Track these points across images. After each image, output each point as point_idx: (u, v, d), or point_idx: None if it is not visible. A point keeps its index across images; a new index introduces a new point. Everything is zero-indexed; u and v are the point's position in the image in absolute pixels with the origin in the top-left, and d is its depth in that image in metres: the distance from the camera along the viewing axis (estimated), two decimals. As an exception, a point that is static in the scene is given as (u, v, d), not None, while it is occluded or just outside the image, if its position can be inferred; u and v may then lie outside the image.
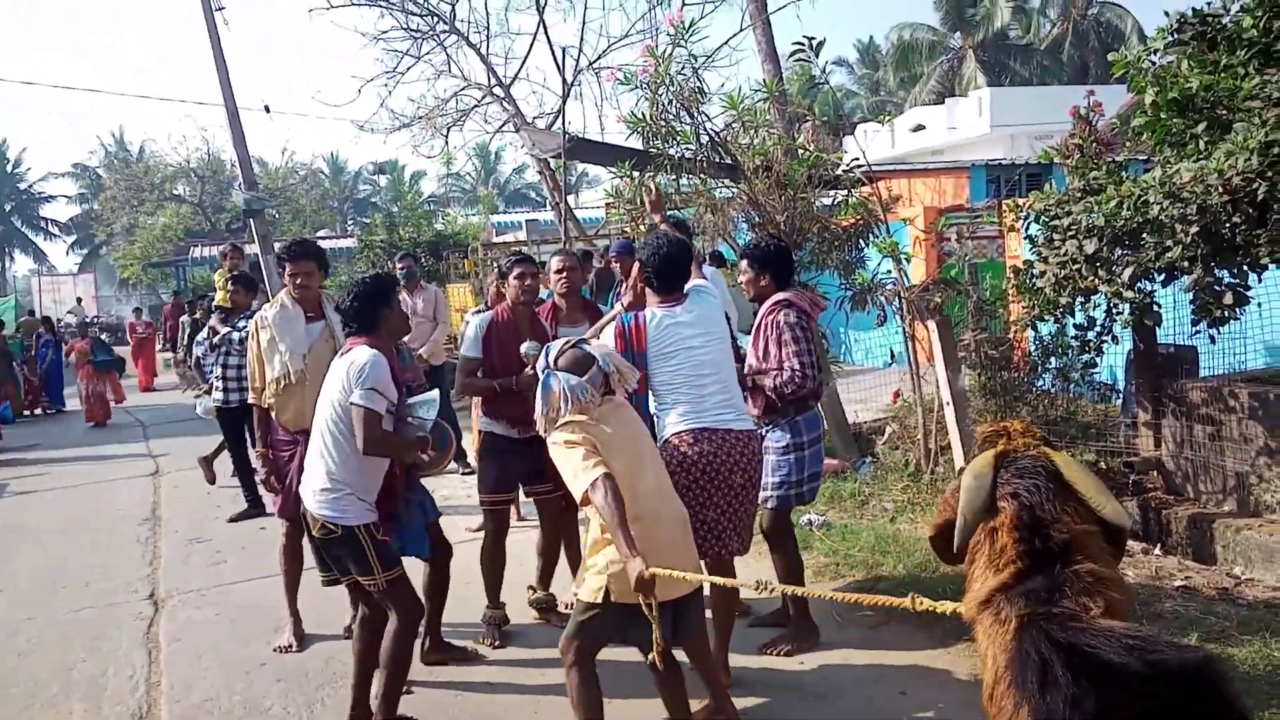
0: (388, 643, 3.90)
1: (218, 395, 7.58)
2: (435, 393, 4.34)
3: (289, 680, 4.66)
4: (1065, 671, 1.79)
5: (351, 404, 3.76)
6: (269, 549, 6.19)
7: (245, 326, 6.36)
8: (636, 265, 4.24)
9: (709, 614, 3.91)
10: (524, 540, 5.64)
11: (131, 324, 20.90)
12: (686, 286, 4.16)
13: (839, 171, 7.08)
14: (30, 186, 59.86)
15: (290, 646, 5.00)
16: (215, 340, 7.75)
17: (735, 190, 7.49)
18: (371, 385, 3.77)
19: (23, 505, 9.16)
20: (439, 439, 4.30)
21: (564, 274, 5.07)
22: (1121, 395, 6.66)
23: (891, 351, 7.77)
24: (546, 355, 3.62)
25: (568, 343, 3.64)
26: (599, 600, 3.38)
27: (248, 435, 7.34)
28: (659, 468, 3.62)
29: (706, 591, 3.80)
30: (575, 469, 3.31)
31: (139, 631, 5.47)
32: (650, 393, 4.06)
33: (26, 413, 16.38)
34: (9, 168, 59.25)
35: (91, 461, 11.33)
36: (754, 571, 5.33)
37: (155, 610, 5.82)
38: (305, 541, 4.79)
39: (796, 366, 4.30)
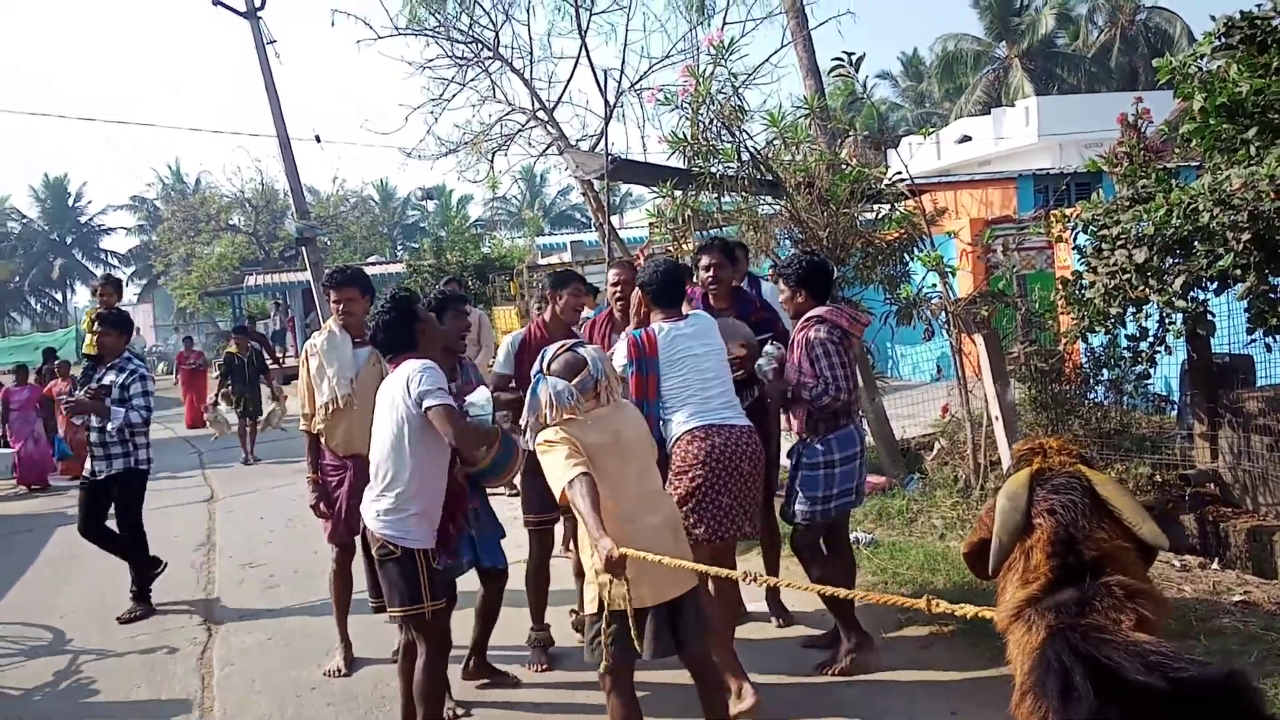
0: (419, 676, 3.90)
1: (88, 465, 6.45)
2: (483, 389, 4.31)
3: (339, 704, 4.70)
4: (1086, 683, 1.78)
5: (428, 408, 3.76)
6: (320, 574, 6.28)
7: (110, 375, 6.27)
8: (638, 290, 4.48)
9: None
10: (565, 562, 5.65)
11: (180, 355, 18.54)
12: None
13: (882, 186, 7.03)
14: (90, 219, 61.69)
15: (339, 670, 5.05)
16: (78, 396, 6.44)
17: (777, 207, 7.46)
18: (436, 386, 3.78)
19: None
20: (503, 442, 4.25)
21: (619, 286, 5.07)
22: (1176, 406, 6.51)
23: (938, 366, 7.66)
24: (541, 360, 3.62)
25: (562, 346, 3.63)
26: (596, 610, 3.39)
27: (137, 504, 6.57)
28: (651, 472, 3.64)
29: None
30: (555, 471, 3.34)
31: (193, 657, 5.56)
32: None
33: None
34: (70, 201, 61.14)
35: (148, 488, 11.54)
36: (798, 576, 5.29)
37: (209, 635, 5.91)
38: (356, 566, 4.88)
39: (830, 378, 4.36)
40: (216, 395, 12.66)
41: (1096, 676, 1.77)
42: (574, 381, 3.45)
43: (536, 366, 3.60)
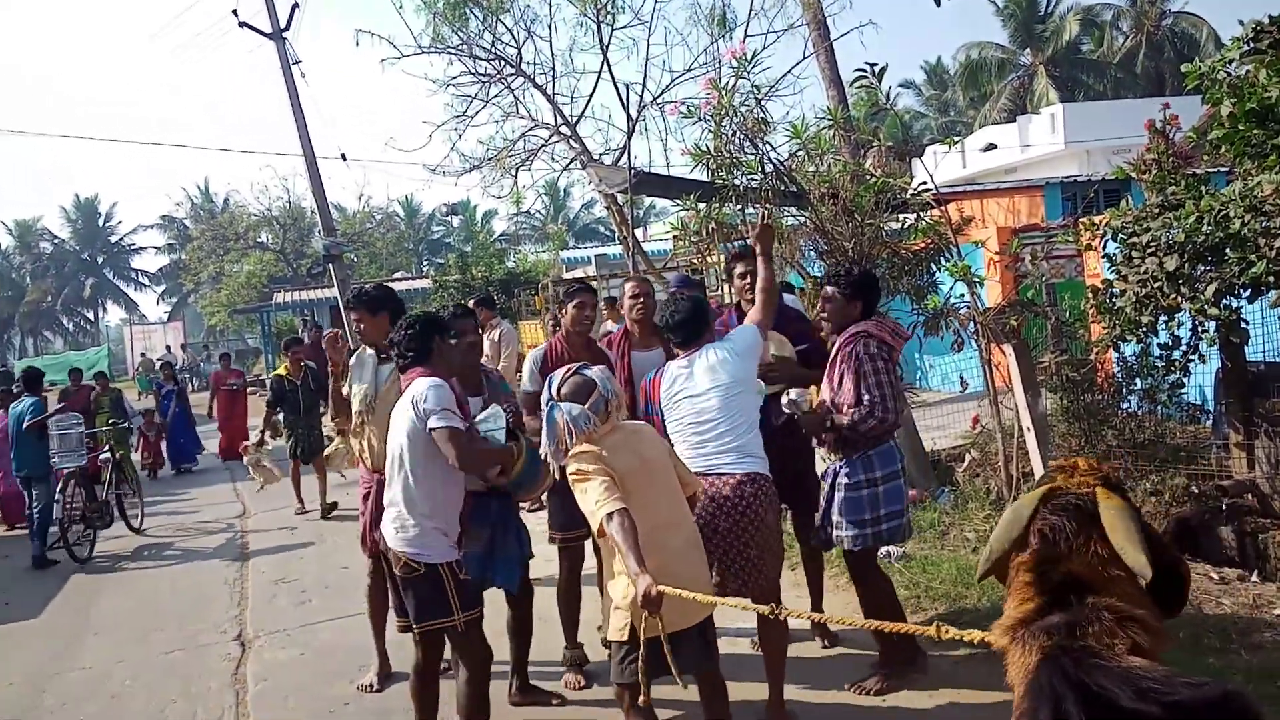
0: (462, 693, 3.88)
1: None
2: (495, 407, 4.25)
3: (372, 718, 4.71)
4: (1078, 710, 1.77)
5: (431, 429, 3.76)
6: (354, 588, 6.34)
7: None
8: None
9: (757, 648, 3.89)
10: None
11: (217, 374, 15.50)
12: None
13: (907, 196, 7.00)
14: (121, 239, 62.60)
15: (372, 686, 5.07)
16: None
17: (802, 218, 7.45)
18: (442, 407, 3.77)
19: (117, 549, 9.46)
20: (529, 456, 4.18)
21: (639, 299, 5.00)
22: (1211, 416, 6.43)
23: (962, 378, 7.60)
24: (549, 386, 3.61)
25: (569, 370, 3.62)
26: (626, 638, 3.38)
27: None
28: (673, 492, 3.60)
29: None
30: (593, 500, 3.32)
31: (227, 672, 5.60)
32: None
33: (151, 473, 13.85)
34: (101, 222, 62.07)
35: (180, 503, 11.69)
36: (840, 603, 5.27)
37: (243, 650, 5.96)
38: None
39: (877, 399, 4.18)
40: (262, 431, 9.68)
41: (1089, 704, 1.77)
42: (587, 404, 3.46)
43: (546, 394, 3.61)
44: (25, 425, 9.30)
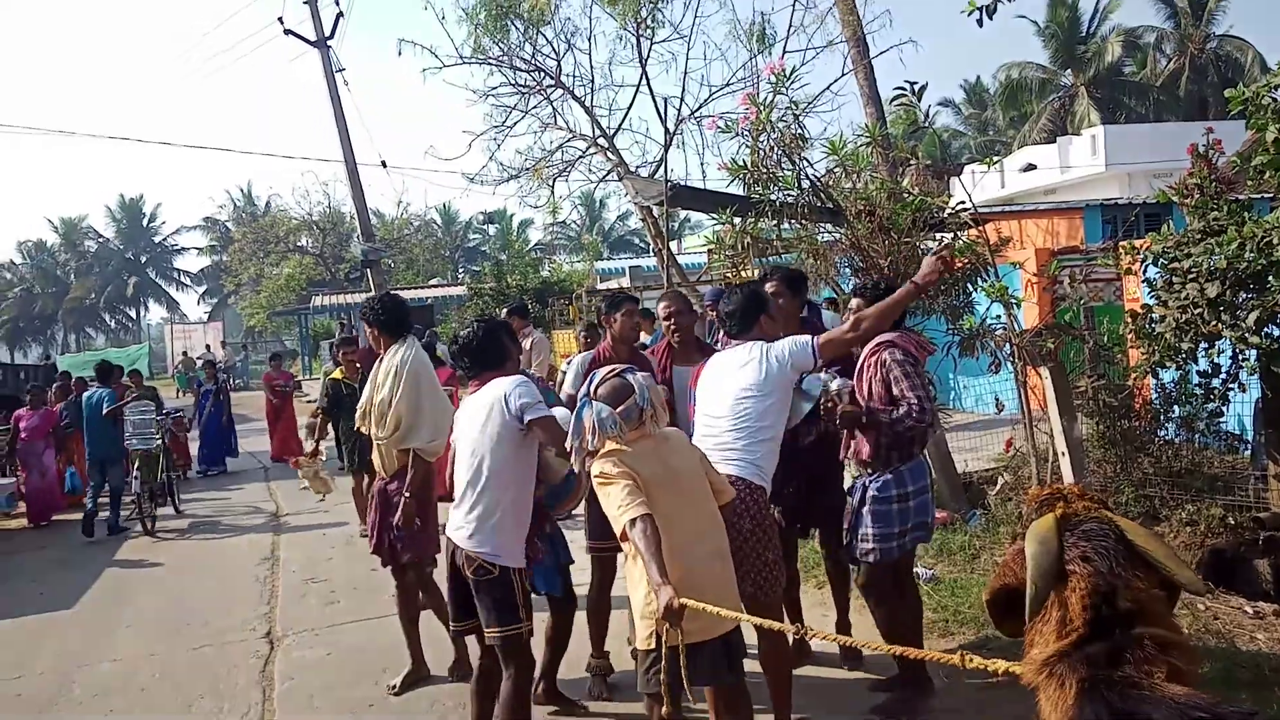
0: (507, 697, 3.86)
1: None
2: (561, 409, 4.23)
3: (395, 722, 4.75)
4: None
5: (530, 421, 3.79)
6: (382, 590, 6.40)
7: None
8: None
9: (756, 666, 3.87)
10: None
11: (269, 375, 15.24)
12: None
13: (945, 215, 6.97)
14: (164, 239, 63.69)
15: (393, 688, 5.11)
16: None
17: (838, 235, 7.44)
18: (535, 399, 3.83)
19: (151, 546, 9.61)
20: (565, 474, 4.20)
21: (670, 320, 4.99)
22: (1250, 446, 6.32)
23: (997, 400, 7.53)
24: (590, 382, 3.60)
25: (613, 370, 3.59)
26: (652, 646, 3.35)
27: None
28: (702, 501, 3.55)
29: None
30: (616, 505, 3.30)
31: (255, 670, 5.66)
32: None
33: (180, 473, 13.09)
34: (145, 222, 63.20)
35: (214, 502, 11.84)
36: (864, 621, 5.23)
37: (271, 649, 6.02)
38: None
39: (914, 400, 4.14)
40: (316, 440, 8.75)
41: None
42: (619, 409, 3.43)
43: (584, 390, 3.59)
44: (105, 411, 10.29)
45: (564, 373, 5.43)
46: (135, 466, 10.23)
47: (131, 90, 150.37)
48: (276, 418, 14.61)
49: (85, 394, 10.94)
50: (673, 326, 4.97)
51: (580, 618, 4.85)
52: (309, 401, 13.72)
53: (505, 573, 3.83)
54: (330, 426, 8.94)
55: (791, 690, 4.04)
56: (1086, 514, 2.13)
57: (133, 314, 64.29)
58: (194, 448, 14.53)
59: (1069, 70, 35.09)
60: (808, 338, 4.09)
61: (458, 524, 3.93)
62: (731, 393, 3.99)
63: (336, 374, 9.08)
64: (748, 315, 4.20)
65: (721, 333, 4.58)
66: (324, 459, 8.76)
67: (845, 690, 4.71)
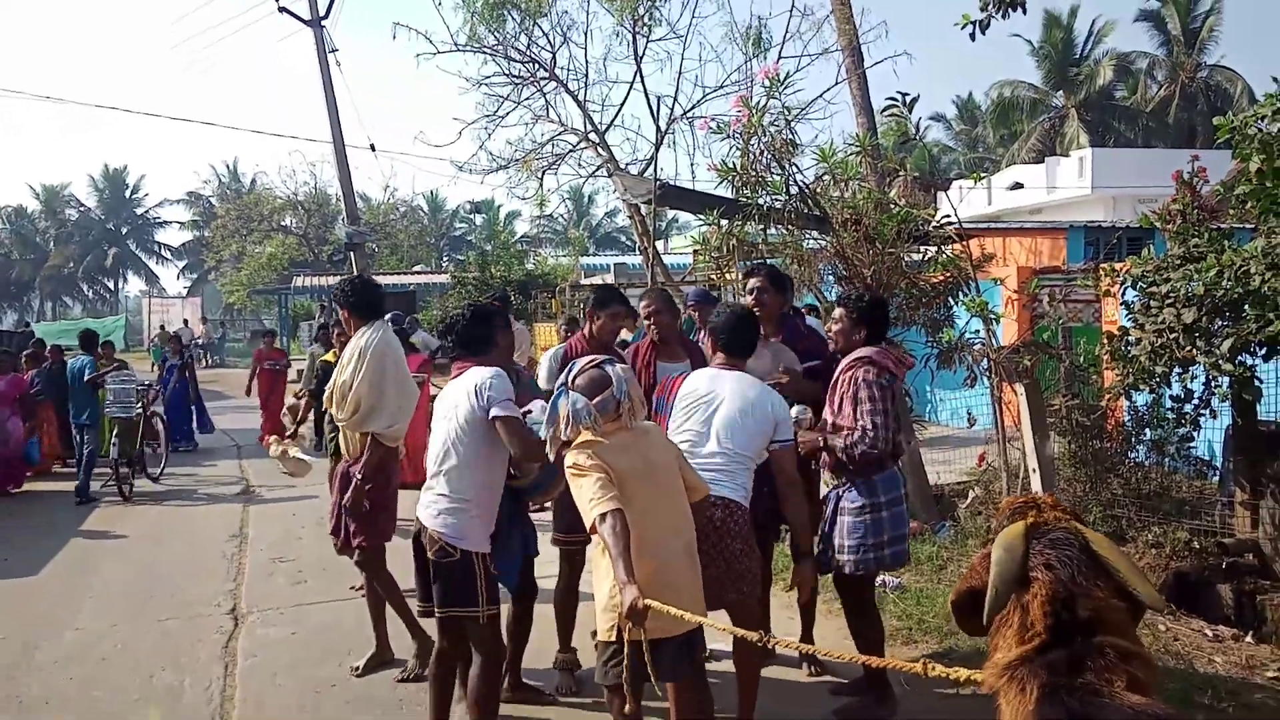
0: (475, 684, 3.88)
1: None
2: (539, 401, 4.16)
3: (357, 703, 4.74)
4: None
5: (495, 418, 3.79)
6: (349, 572, 6.37)
7: None
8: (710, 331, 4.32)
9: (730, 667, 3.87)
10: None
11: (259, 353, 14.82)
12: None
13: (930, 227, 7.02)
14: (146, 212, 63.09)
15: (355, 669, 5.10)
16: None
17: (823, 242, 7.47)
18: (505, 397, 3.83)
19: (119, 517, 9.53)
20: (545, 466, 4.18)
21: (650, 319, 5.00)
22: (1219, 472, 6.41)
23: (969, 414, 7.60)
24: (568, 371, 3.60)
25: (592, 361, 3.59)
26: (613, 638, 3.36)
27: None
28: (675, 497, 3.56)
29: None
30: (587, 498, 3.30)
31: (218, 645, 5.63)
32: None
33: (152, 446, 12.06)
34: (128, 193, 62.59)
35: (184, 478, 11.75)
36: (832, 628, 5.26)
37: (235, 625, 5.99)
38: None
39: (869, 426, 4.17)
40: (297, 423, 8.42)
41: None
42: (595, 400, 3.42)
43: (561, 378, 3.59)
44: (86, 379, 10.56)
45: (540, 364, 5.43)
46: (114, 434, 10.49)
47: (120, 59, 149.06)
48: (269, 396, 14.09)
49: (70, 362, 11.08)
50: (653, 325, 5.00)
51: (547, 611, 4.86)
52: (291, 382, 13.37)
53: (466, 556, 3.84)
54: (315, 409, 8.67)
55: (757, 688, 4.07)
56: (1056, 524, 2.17)
57: (111, 285, 63.63)
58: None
59: (1060, 91, 35.38)
60: (791, 433, 4.14)
61: (426, 503, 3.95)
62: (734, 421, 3.97)
63: (328, 356, 8.60)
64: (743, 339, 4.22)
65: (706, 337, 4.56)
66: (307, 441, 8.48)
67: (806, 692, 4.74)
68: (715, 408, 4.01)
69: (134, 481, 10.58)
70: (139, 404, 11.06)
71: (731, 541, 3.86)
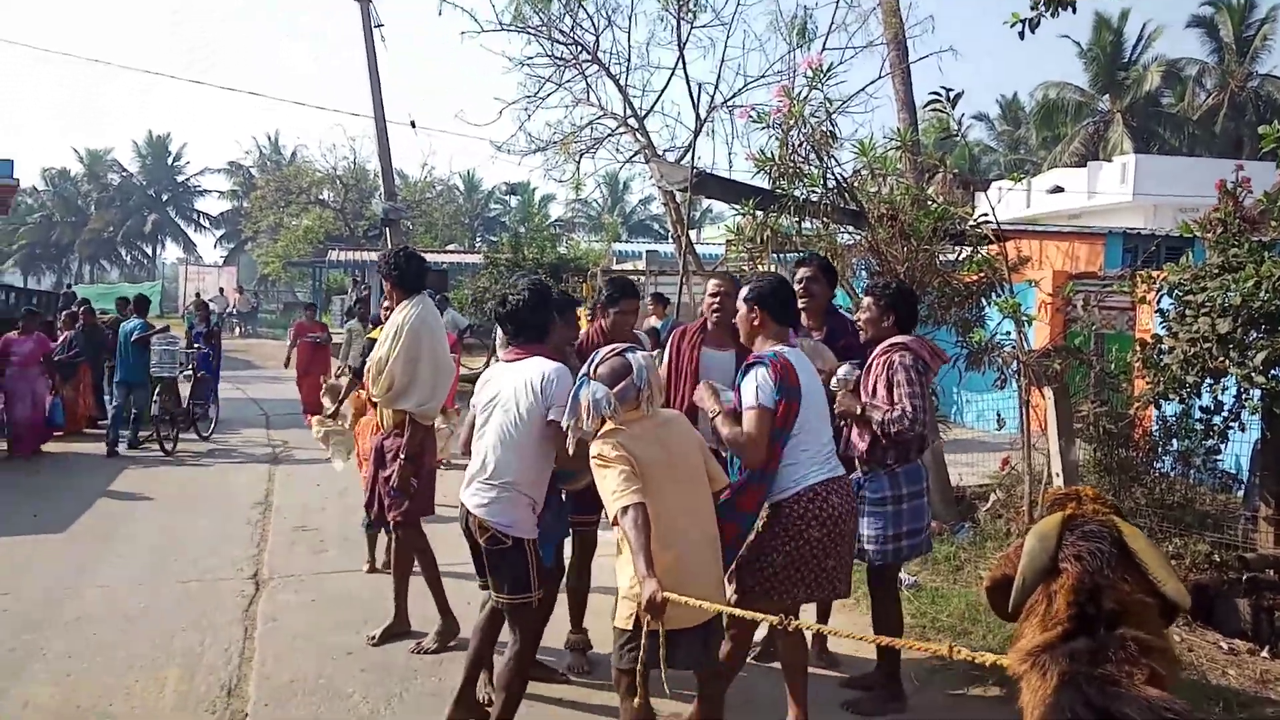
0: (509, 663, 3.89)
1: None
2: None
3: (372, 671, 4.81)
4: None
5: (551, 422, 3.73)
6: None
7: None
8: (750, 305, 4.02)
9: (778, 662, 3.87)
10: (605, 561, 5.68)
11: (300, 325, 14.37)
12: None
13: (966, 227, 6.96)
14: (187, 180, 63.77)
15: (372, 638, 5.17)
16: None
17: (858, 237, 7.44)
18: (566, 399, 3.72)
19: (147, 480, 9.70)
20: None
21: (717, 298, 4.85)
22: (1244, 486, 6.33)
23: (998, 416, 7.55)
24: (591, 361, 3.60)
25: (614, 349, 3.58)
26: (631, 626, 3.37)
27: None
28: (696, 487, 3.55)
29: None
30: (611, 489, 3.32)
31: (239, 609, 5.73)
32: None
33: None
34: (170, 160, 63.29)
35: (213, 445, 11.92)
36: (846, 621, 5.27)
37: (256, 590, 6.08)
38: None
39: (908, 408, 4.15)
40: (338, 403, 7.49)
41: None
42: (615, 389, 3.43)
43: (584, 368, 3.60)
44: (134, 339, 11.30)
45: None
46: (157, 392, 11.25)
47: (168, 26, 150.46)
48: (307, 369, 13.56)
49: (123, 325, 11.70)
50: (717, 306, 4.82)
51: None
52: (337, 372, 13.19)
53: (519, 544, 3.84)
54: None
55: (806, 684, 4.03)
56: (1094, 516, 2.22)
57: (149, 251, 64.43)
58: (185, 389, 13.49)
59: (1107, 95, 34.86)
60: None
61: (474, 490, 3.90)
62: (819, 391, 3.99)
63: (374, 333, 8.21)
64: (793, 306, 4.16)
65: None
66: (346, 422, 7.71)
67: (817, 685, 4.74)
68: (819, 388, 4.01)
69: (177, 438, 11.28)
70: (181, 365, 11.91)
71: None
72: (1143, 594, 2.05)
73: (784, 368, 3.78)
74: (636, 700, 3.41)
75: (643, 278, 17.05)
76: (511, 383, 3.90)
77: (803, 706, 3.95)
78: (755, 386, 3.76)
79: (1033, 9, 5.12)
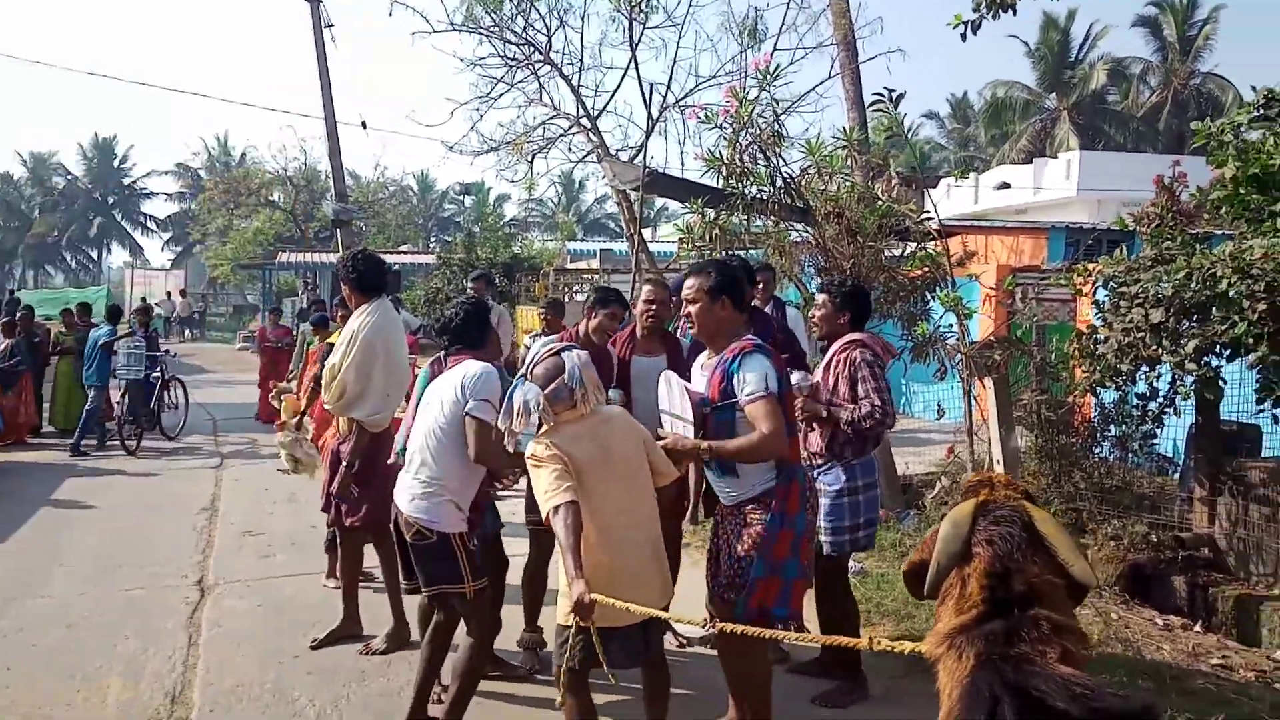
0: (463, 654, 3.93)
1: None
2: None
3: (318, 674, 4.78)
4: (1013, 713, 1.83)
5: (466, 414, 3.86)
6: (318, 547, 6.45)
7: None
8: (698, 301, 3.77)
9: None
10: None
11: (262, 330, 14.61)
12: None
13: (910, 223, 7.07)
14: (134, 182, 62.55)
15: (315, 641, 5.14)
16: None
17: (806, 234, 7.51)
18: (485, 396, 3.86)
19: (91, 486, 9.51)
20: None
21: (651, 305, 4.87)
22: (1179, 469, 6.51)
23: (939, 406, 7.68)
24: (528, 362, 3.62)
25: (550, 349, 3.59)
26: (571, 623, 3.37)
27: None
28: (637, 485, 3.53)
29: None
30: (543, 489, 3.32)
31: (184, 615, 5.65)
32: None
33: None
34: (116, 163, 62.05)
35: (159, 452, 11.73)
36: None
37: (201, 596, 6.01)
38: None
39: (877, 403, 4.27)
40: (301, 414, 7.00)
41: (1023, 707, 1.83)
42: (547, 390, 3.43)
43: (521, 369, 3.63)
44: (100, 344, 11.76)
45: (526, 347, 5.43)
46: (123, 394, 11.60)
47: (112, 27, 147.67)
48: (269, 375, 13.10)
49: (92, 332, 12.25)
50: (651, 314, 4.86)
51: (514, 591, 4.90)
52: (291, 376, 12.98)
53: (444, 537, 3.89)
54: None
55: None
56: (1006, 502, 2.29)
57: (94, 255, 63.12)
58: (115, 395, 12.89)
59: (1054, 94, 35.49)
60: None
61: (403, 487, 4.00)
62: None
63: (333, 337, 7.60)
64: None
65: (685, 323, 4.47)
66: (309, 434, 7.24)
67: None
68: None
69: (140, 437, 11.56)
70: (148, 368, 12.10)
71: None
72: (1052, 575, 2.12)
73: (774, 354, 3.65)
74: (577, 696, 3.43)
75: (596, 277, 17.06)
76: (444, 386, 4.03)
77: (740, 707, 3.96)
78: (765, 373, 3.48)
79: (974, 11, 5.22)
